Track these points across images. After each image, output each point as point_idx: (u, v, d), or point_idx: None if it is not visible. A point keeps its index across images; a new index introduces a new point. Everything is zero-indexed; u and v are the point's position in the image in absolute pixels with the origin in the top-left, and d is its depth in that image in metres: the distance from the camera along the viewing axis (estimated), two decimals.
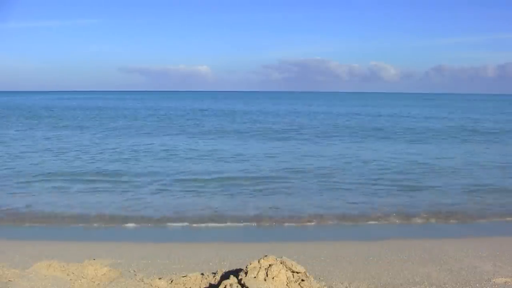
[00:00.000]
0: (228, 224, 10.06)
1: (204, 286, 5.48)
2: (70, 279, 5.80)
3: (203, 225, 10.01)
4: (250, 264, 5.02)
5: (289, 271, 5.01)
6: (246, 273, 4.94)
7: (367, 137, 28.21)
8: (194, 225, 10.00)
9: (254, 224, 10.08)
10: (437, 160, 18.73)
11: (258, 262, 5.02)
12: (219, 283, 5.12)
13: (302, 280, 4.97)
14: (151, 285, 5.69)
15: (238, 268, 5.45)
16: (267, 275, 4.86)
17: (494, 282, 6.23)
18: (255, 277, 4.82)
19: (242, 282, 4.71)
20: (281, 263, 5.04)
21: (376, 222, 10.11)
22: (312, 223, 10.09)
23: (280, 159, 18.85)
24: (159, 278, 5.91)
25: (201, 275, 5.71)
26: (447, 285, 6.14)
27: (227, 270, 5.64)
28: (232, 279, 4.91)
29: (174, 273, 6.41)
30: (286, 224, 10.08)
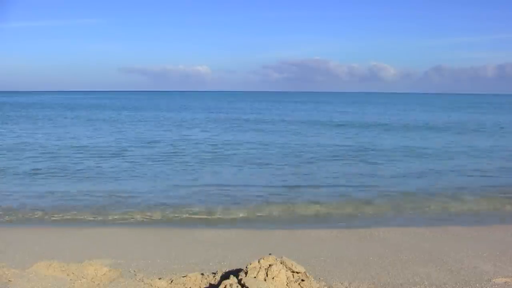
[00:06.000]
0: (228, 224, 10.05)
1: (204, 286, 5.48)
2: (70, 279, 5.80)
3: (202, 225, 10.00)
4: (250, 264, 5.03)
5: (289, 271, 5.02)
6: (246, 273, 4.94)
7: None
8: (194, 225, 10.00)
9: (254, 224, 10.08)
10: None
11: (258, 262, 5.02)
12: (219, 283, 5.12)
13: (302, 280, 4.98)
14: (151, 285, 5.69)
15: (238, 268, 5.45)
16: (267, 275, 4.87)
17: (494, 282, 6.23)
18: (255, 277, 4.83)
19: (242, 282, 4.71)
20: (281, 263, 5.04)
21: (376, 222, 10.12)
22: (312, 223, 10.10)
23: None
24: (159, 278, 5.91)
25: (201, 275, 5.71)
26: (447, 285, 6.13)
27: (227, 270, 5.64)
28: (232, 279, 4.91)
29: (174, 273, 6.40)
30: (287, 223, 10.08)
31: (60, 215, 10.54)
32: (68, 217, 10.45)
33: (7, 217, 10.44)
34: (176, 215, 10.64)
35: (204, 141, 24.78)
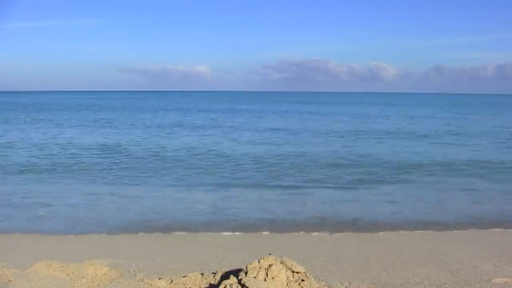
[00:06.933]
0: (228, 224, 10.02)
1: (204, 286, 5.48)
2: (70, 279, 5.80)
3: (202, 227, 9.98)
4: (250, 264, 5.03)
5: (289, 271, 5.01)
6: (246, 273, 4.94)
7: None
8: (194, 227, 9.97)
9: (254, 224, 10.06)
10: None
11: (258, 262, 5.02)
12: (219, 283, 5.12)
13: (302, 280, 4.97)
14: (151, 285, 5.69)
15: (238, 268, 5.45)
16: (267, 275, 4.87)
17: (494, 282, 6.23)
18: (255, 277, 4.82)
19: (242, 282, 4.71)
20: (281, 263, 5.04)
21: (377, 224, 10.11)
22: (313, 224, 10.07)
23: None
24: (159, 278, 5.91)
25: (201, 275, 5.71)
26: (447, 285, 6.13)
27: (227, 270, 5.64)
28: (232, 279, 4.91)
29: (174, 273, 6.40)
30: (286, 225, 10.06)
31: (58, 220, 10.41)
32: (67, 221, 10.30)
33: (6, 221, 10.34)
34: (175, 218, 10.52)
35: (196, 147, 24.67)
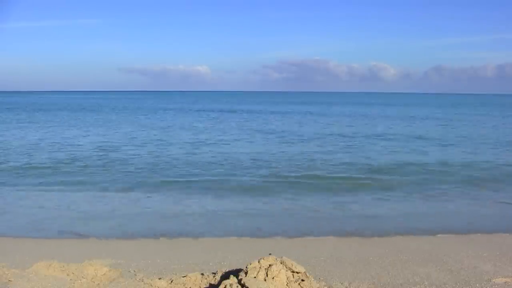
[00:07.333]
0: (228, 227, 10.02)
1: (204, 286, 5.49)
2: (70, 279, 5.81)
3: (203, 229, 9.98)
4: (250, 264, 5.03)
5: (289, 271, 5.02)
6: (246, 273, 4.94)
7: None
8: (195, 230, 9.98)
9: (253, 226, 10.07)
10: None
11: (258, 262, 5.02)
12: (219, 283, 5.13)
13: (302, 280, 4.98)
14: (151, 285, 5.69)
15: (238, 268, 5.46)
16: (267, 275, 4.87)
17: (494, 282, 6.24)
18: (255, 277, 4.83)
19: (242, 282, 4.72)
20: (281, 263, 5.04)
21: (376, 224, 10.11)
22: (312, 225, 10.09)
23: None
24: (159, 278, 5.92)
25: (201, 275, 5.72)
26: (447, 285, 6.14)
27: (227, 270, 5.64)
28: (232, 279, 4.91)
29: (174, 273, 6.40)
30: (286, 226, 10.06)
31: (57, 222, 10.36)
32: (66, 223, 10.19)
33: (5, 223, 10.29)
34: (174, 221, 10.48)
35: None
